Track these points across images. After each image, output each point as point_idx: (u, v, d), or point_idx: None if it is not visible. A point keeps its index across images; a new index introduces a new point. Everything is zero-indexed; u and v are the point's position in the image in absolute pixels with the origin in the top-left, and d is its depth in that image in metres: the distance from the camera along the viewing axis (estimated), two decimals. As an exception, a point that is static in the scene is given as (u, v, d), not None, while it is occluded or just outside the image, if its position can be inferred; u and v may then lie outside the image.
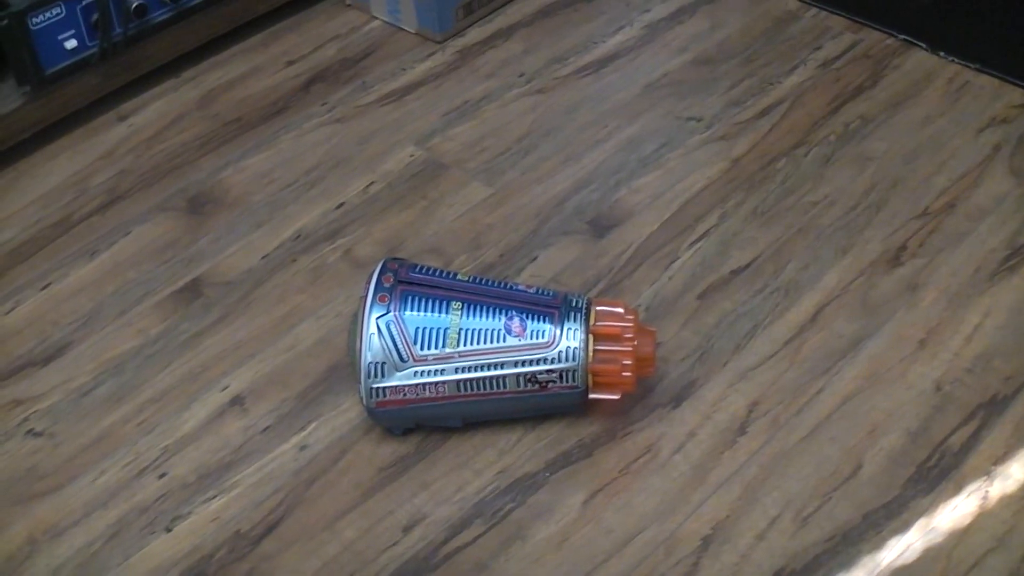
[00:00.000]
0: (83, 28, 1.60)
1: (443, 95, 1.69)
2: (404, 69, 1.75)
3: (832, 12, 1.78)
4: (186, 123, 1.68)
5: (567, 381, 1.19)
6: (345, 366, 1.27)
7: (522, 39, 1.78)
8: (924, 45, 1.70)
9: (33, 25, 1.54)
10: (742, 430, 1.25)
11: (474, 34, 1.80)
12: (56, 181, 1.60)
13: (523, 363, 1.18)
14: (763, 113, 1.62)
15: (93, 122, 1.68)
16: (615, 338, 1.20)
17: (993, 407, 1.25)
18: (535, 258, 1.44)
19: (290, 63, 1.77)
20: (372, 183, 1.55)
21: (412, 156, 1.59)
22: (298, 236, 1.49)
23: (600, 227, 1.47)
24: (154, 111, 1.70)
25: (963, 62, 1.67)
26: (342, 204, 1.53)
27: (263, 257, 1.47)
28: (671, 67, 1.71)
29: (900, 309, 1.35)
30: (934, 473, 1.20)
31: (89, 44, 1.61)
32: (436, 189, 1.54)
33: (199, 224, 1.52)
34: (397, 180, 1.56)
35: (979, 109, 1.61)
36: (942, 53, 1.69)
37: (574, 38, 1.78)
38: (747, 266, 1.41)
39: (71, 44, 1.59)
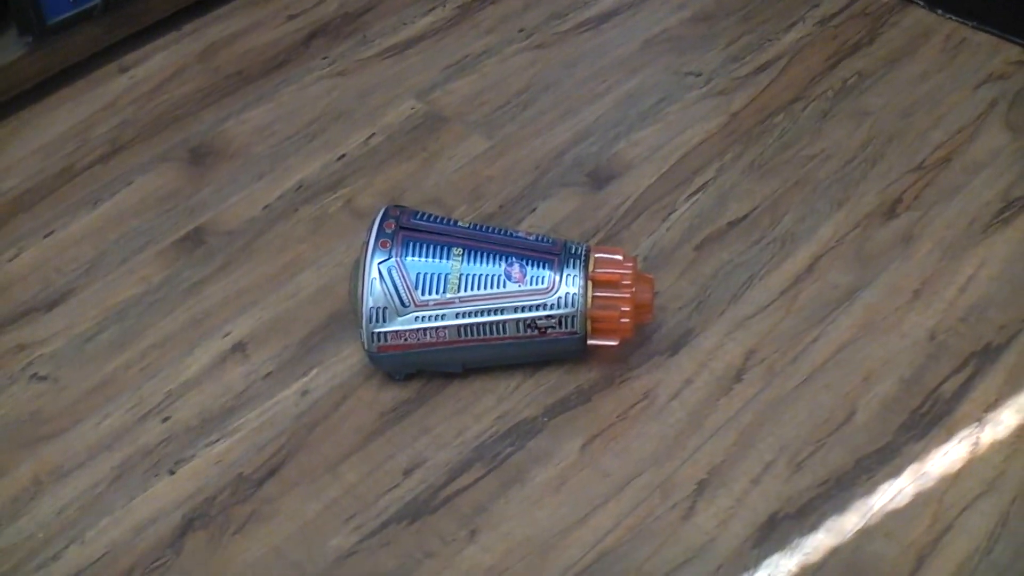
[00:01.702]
0: (86, -21, 1.60)
1: (443, 49, 1.70)
2: (405, 24, 1.75)
3: (830, -31, 1.79)
4: (187, 76, 1.68)
5: (566, 327, 1.21)
6: (346, 314, 1.28)
7: (522, -6, 1.80)
8: (922, 2, 1.71)
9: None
10: (738, 378, 1.26)
11: (474, -11, 1.82)
12: (58, 131, 1.61)
13: (523, 309, 1.20)
14: (761, 68, 1.63)
15: (95, 73, 1.69)
16: (614, 285, 1.21)
17: (986, 355, 1.27)
18: (534, 209, 1.45)
19: (291, 17, 1.78)
20: (373, 135, 1.57)
21: (413, 109, 1.60)
22: (299, 187, 1.50)
23: (599, 179, 1.49)
24: (156, 63, 1.71)
25: (960, 19, 1.68)
26: (343, 156, 1.54)
27: (265, 207, 1.48)
28: (670, 23, 1.72)
29: (895, 260, 1.37)
30: (926, 420, 1.21)
31: (92, -5, 1.62)
32: (436, 142, 1.55)
33: (201, 175, 1.53)
34: (398, 132, 1.57)
35: (976, 66, 1.62)
36: (939, 10, 1.69)
37: (574, -7, 1.79)
38: (744, 218, 1.42)
39: (74, -5, 1.60)
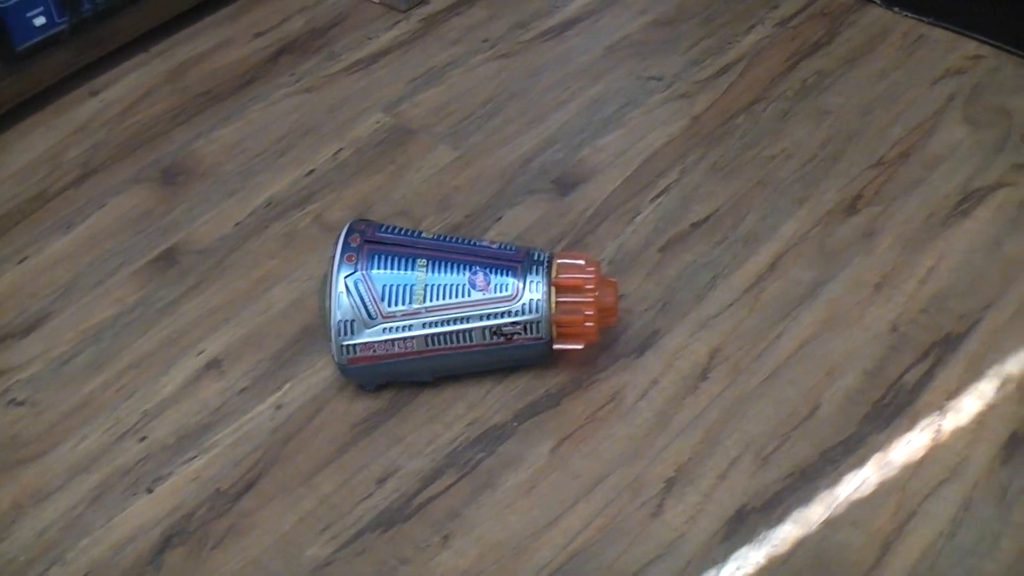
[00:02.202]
0: (52, 5, 1.62)
1: (409, 62, 1.72)
2: (371, 38, 1.77)
3: (789, -30, 1.81)
4: (157, 96, 1.70)
5: (531, 333, 1.22)
6: (318, 328, 1.29)
7: (486, 5, 1.81)
8: (879, 1, 1.73)
9: (2, 3, 1.56)
10: (703, 376, 1.28)
11: (439, 2, 1.83)
12: (31, 156, 1.62)
13: (488, 316, 1.21)
14: (722, 71, 1.65)
15: (65, 98, 1.70)
16: (577, 289, 1.23)
17: (947, 345, 1.29)
18: (500, 217, 1.47)
19: (258, 35, 1.79)
20: (341, 149, 1.58)
21: (379, 122, 1.62)
22: (269, 203, 1.52)
23: (564, 185, 1.50)
24: (125, 85, 1.72)
25: (917, 16, 1.70)
26: (312, 171, 1.55)
27: (236, 224, 1.49)
28: (632, 29, 1.74)
29: (856, 255, 1.38)
30: (889, 410, 1.23)
31: (58, 20, 1.63)
32: (404, 154, 1.57)
33: (173, 194, 1.54)
34: (365, 146, 1.58)
35: (934, 61, 1.64)
36: (897, 8, 1.71)
37: (537, 3, 1.80)
38: (707, 219, 1.44)
39: (40, 21, 1.61)
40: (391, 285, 1.21)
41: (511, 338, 1.22)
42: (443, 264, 1.22)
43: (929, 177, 1.47)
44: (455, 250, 1.23)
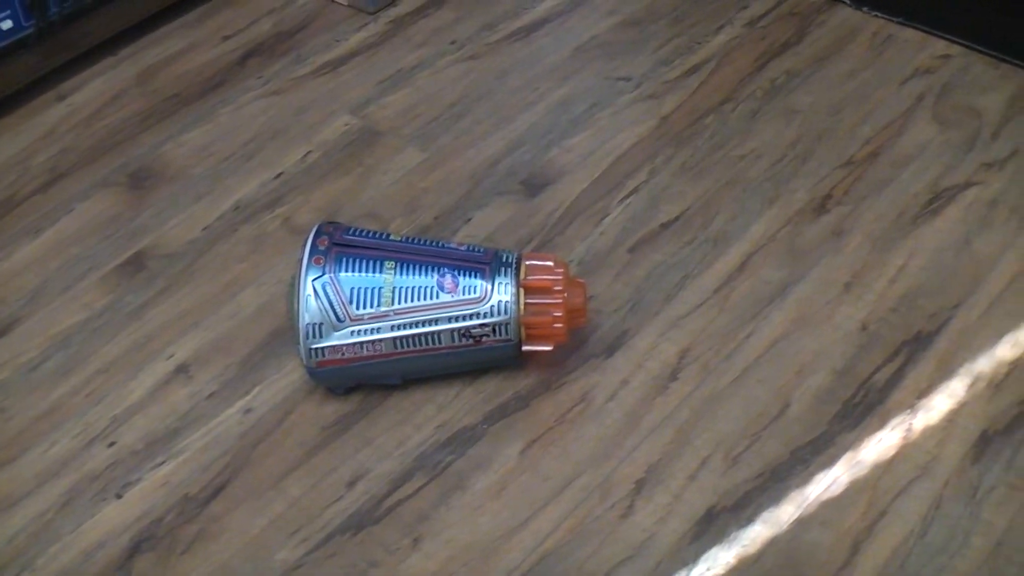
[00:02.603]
0: (18, 8, 1.61)
1: (377, 64, 1.72)
2: (338, 40, 1.77)
3: (757, -30, 1.81)
4: (125, 100, 1.69)
5: (500, 335, 1.22)
6: (286, 331, 1.29)
7: (453, 7, 1.80)
8: (848, 1, 1.73)
9: (-32, 8, 1.55)
10: (673, 376, 1.28)
11: (406, 4, 1.83)
12: (-2, 162, 1.62)
13: (456, 318, 1.21)
14: (691, 71, 1.65)
15: (33, 102, 1.70)
16: (545, 291, 1.23)
17: (917, 343, 1.29)
18: (470, 219, 1.47)
19: (226, 38, 1.79)
20: (309, 152, 1.58)
21: (347, 125, 1.62)
22: (238, 207, 1.51)
23: (533, 187, 1.50)
24: (93, 89, 1.72)
25: (886, 16, 1.70)
26: (280, 174, 1.55)
27: (204, 228, 1.49)
28: (600, 29, 1.74)
29: (826, 255, 1.39)
30: (859, 409, 1.23)
31: (25, 24, 1.63)
32: (372, 156, 1.57)
33: (141, 199, 1.54)
34: (333, 148, 1.58)
35: (903, 61, 1.64)
36: (866, 8, 1.72)
37: (504, 4, 1.80)
38: (676, 219, 1.44)
39: (7, 24, 1.61)
40: (359, 288, 1.20)
41: (480, 340, 1.22)
42: (411, 266, 1.22)
43: (899, 176, 1.47)
44: (423, 252, 1.23)
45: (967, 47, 1.64)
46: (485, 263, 1.22)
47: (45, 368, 1.35)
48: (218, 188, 1.54)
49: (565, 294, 1.23)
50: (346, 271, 1.21)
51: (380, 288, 1.20)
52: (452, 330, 1.21)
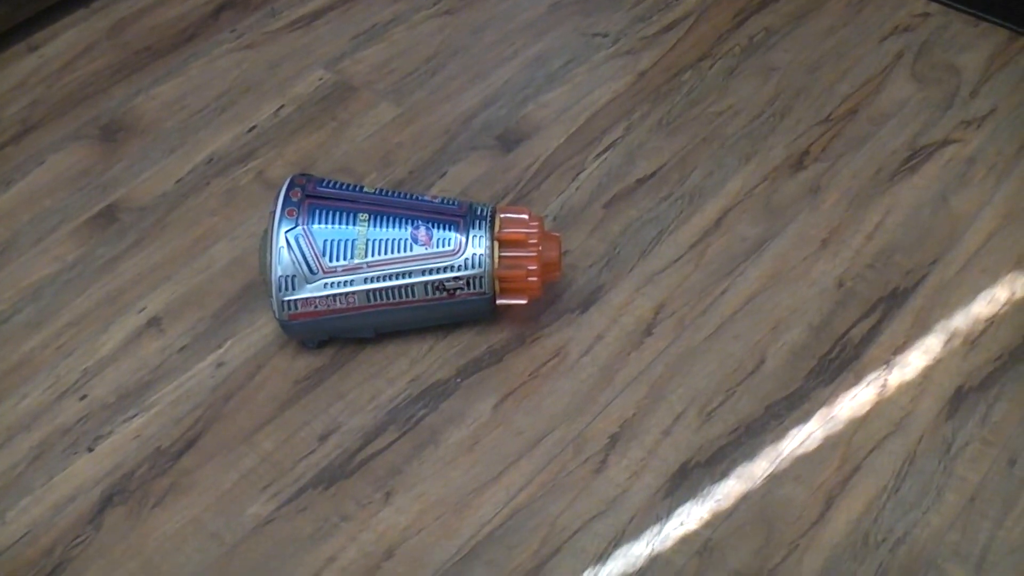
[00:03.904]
0: (-12, -42, 1.59)
1: (352, 19, 1.70)
2: (313, -6, 1.76)
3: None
4: (97, 52, 1.68)
5: (474, 288, 1.21)
6: (259, 285, 1.28)
7: (430, -38, 1.79)
8: (826, -43, 1.72)
9: (-63, -43, 1.54)
10: (648, 331, 1.27)
11: (383, -42, 1.81)
12: (-32, 113, 1.60)
13: (430, 271, 1.20)
14: (668, 28, 1.64)
15: (4, 53, 1.68)
16: (520, 244, 1.22)
17: (894, 300, 1.29)
18: (444, 174, 1.46)
19: (200, -9, 1.78)
20: (282, 106, 1.56)
21: (321, 79, 1.60)
22: (210, 160, 1.50)
23: (508, 142, 1.49)
24: (64, 41, 1.70)
25: (865, -28, 1.70)
26: (253, 127, 1.54)
27: (177, 181, 1.48)
28: (578, -15, 1.73)
29: (803, 211, 1.38)
30: (835, 365, 1.23)
31: (-5, -25, 1.61)
32: (346, 110, 1.55)
33: (112, 151, 1.52)
34: (307, 103, 1.57)
35: (882, 19, 1.64)
36: (844, -36, 1.71)
37: (482, -41, 1.79)
38: (652, 175, 1.44)
39: (-24, -25, 1.59)
40: (332, 240, 1.19)
41: (453, 293, 1.21)
42: (385, 218, 1.21)
43: (876, 133, 1.47)
44: (397, 204, 1.22)
45: (946, 5, 1.64)
46: (459, 216, 1.22)
47: (16, 321, 1.34)
48: (190, 141, 1.53)
49: (540, 248, 1.22)
50: (319, 223, 1.19)
51: (353, 240, 1.19)
52: (426, 283, 1.21)
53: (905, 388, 1.21)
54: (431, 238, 1.20)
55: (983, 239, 1.34)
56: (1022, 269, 1.31)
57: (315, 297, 1.20)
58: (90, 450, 1.22)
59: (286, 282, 1.19)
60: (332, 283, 1.20)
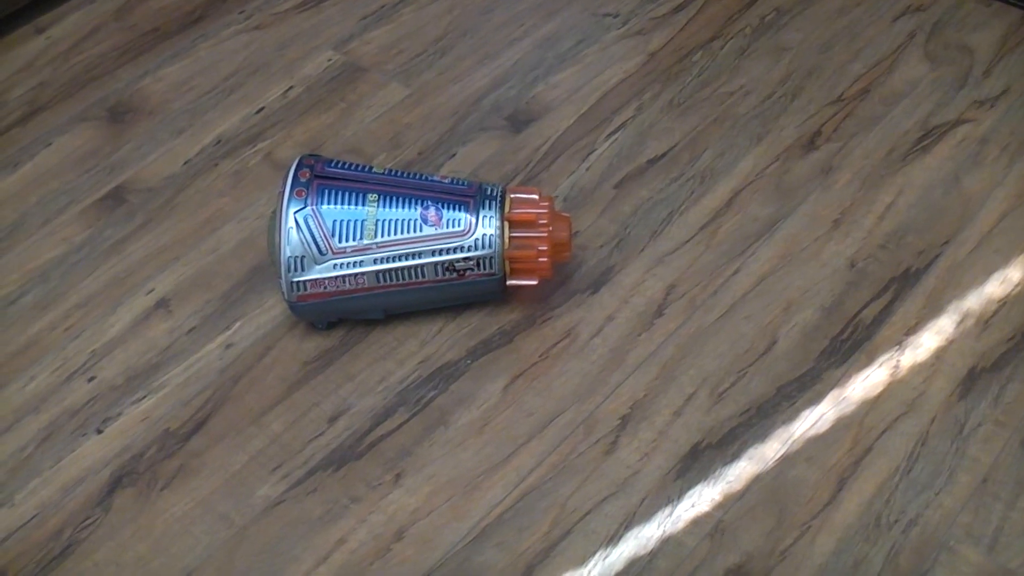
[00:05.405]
0: (-4, -61, 1.58)
1: (360, 0, 1.69)
2: (322, -25, 1.75)
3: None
4: (104, 34, 1.67)
5: (484, 268, 1.21)
6: (268, 266, 1.28)
7: (439, -58, 1.78)
8: (838, -64, 1.71)
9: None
10: (659, 312, 1.27)
11: (391, -62, 1.80)
12: (-25, 96, 1.60)
13: (440, 252, 1.20)
14: (679, 8, 1.64)
15: (11, 35, 1.67)
16: (530, 224, 1.21)
17: (906, 280, 1.28)
18: (454, 154, 1.45)
19: (207, -28, 1.77)
20: (291, 88, 1.56)
21: (330, 60, 1.60)
22: (219, 141, 1.49)
23: (518, 122, 1.48)
24: (72, 23, 1.69)
25: (876, -48, 1.69)
26: (262, 109, 1.53)
27: (185, 163, 1.47)
28: (587, -35, 1.72)
29: (814, 191, 1.37)
30: (847, 345, 1.22)
31: (3, -44, 1.60)
32: (354, 91, 1.55)
33: (120, 133, 1.52)
34: (316, 84, 1.56)
35: (894, -2, 1.63)
36: (856, -57, 1.70)
37: (491, -61, 1.78)
38: (663, 155, 1.43)
39: (-16, -43, 1.58)
40: (341, 220, 1.19)
41: (463, 274, 1.21)
42: (394, 199, 1.20)
43: (889, 113, 1.46)
44: (406, 185, 1.22)
45: (959, -15, 1.63)
46: (469, 196, 1.21)
47: (23, 303, 1.34)
48: (198, 123, 1.52)
49: (550, 228, 1.21)
50: (328, 204, 1.19)
51: (363, 221, 1.19)
52: (436, 263, 1.20)
53: (917, 369, 1.20)
54: (441, 218, 1.20)
55: (996, 219, 1.33)
56: (1035, 249, 1.31)
57: (324, 278, 1.20)
58: (99, 432, 1.22)
59: (295, 263, 1.19)
60: (341, 264, 1.19)
